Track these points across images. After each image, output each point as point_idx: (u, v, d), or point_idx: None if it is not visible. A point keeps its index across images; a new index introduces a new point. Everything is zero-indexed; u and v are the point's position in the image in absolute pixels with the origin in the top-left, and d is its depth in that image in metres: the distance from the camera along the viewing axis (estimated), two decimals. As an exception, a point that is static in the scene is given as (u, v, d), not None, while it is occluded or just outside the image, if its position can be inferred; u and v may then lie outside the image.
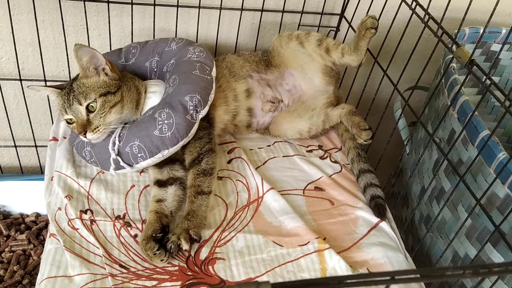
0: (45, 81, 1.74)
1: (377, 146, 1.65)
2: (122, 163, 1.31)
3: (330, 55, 1.61)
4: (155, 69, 1.55)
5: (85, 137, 1.28)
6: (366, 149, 1.69)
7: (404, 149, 1.59)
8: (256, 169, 1.52)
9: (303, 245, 1.31)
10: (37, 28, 1.62)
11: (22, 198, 1.90)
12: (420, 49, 1.43)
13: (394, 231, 1.42)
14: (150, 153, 1.30)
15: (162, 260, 1.18)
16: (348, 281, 0.65)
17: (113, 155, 1.30)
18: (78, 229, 1.24)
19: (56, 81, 1.79)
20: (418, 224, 1.57)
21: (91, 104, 1.28)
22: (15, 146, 1.91)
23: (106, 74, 1.33)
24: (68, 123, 1.34)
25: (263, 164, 1.57)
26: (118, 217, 1.29)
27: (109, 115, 1.30)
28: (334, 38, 1.87)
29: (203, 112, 1.37)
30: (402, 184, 1.72)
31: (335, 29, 1.85)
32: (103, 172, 1.40)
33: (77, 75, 1.35)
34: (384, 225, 1.43)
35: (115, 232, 1.25)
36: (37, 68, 1.76)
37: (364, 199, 1.52)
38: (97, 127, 1.28)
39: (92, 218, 1.27)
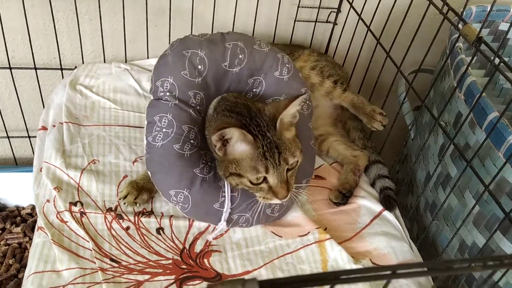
0: (36, 69, 1.68)
1: (380, 132, 1.58)
2: (225, 225, 1.22)
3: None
4: (255, 91, 1.31)
5: (284, 200, 1.13)
6: (369, 135, 1.63)
7: (408, 134, 1.52)
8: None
9: (303, 235, 1.25)
10: (25, 15, 1.56)
11: (17, 190, 1.86)
12: (425, 30, 1.36)
13: (398, 220, 1.36)
14: (250, 224, 1.24)
15: None
16: (344, 276, 0.59)
17: (223, 225, 1.21)
18: (67, 222, 1.19)
19: (47, 69, 1.74)
20: (423, 212, 1.51)
21: (292, 163, 1.12)
22: (8, 137, 1.86)
23: (295, 128, 1.18)
24: (252, 183, 1.11)
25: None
26: (109, 210, 1.24)
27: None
28: (335, 19, 1.79)
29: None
30: (407, 170, 1.65)
31: (336, 10, 1.77)
32: (94, 163, 1.34)
33: (257, 116, 1.13)
34: (387, 213, 1.37)
35: (106, 225, 1.20)
36: (28, 56, 1.70)
37: (367, 188, 1.46)
38: (292, 188, 1.15)
39: (82, 210, 1.21)
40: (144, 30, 1.69)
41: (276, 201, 1.13)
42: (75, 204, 1.22)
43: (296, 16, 1.77)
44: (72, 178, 1.29)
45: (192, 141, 1.19)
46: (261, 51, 1.30)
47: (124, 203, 1.24)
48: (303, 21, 1.79)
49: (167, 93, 1.21)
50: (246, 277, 1.10)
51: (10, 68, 1.66)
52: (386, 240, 1.29)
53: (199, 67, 1.23)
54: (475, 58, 1.68)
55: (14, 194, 1.89)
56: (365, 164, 1.50)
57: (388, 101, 1.52)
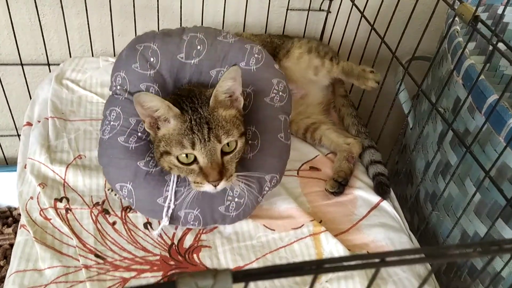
0: (22, 65, 1.64)
1: (377, 122, 1.53)
2: (171, 227, 1.17)
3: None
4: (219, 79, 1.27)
5: (216, 186, 1.04)
6: (366, 124, 1.57)
7: (405, 123, 1.47)
8: (246, 149, 1.42)
9: (296, 228, 1.20)
10: (8, 9, 1.51)
11: (8, 190, 1.82)
12: (421, 16, 1.32)
13: (396, 211, 1.31)
14: (204, 224, 1.15)
15: None
16: (328, 265, 0.54)
17: (165, 220, 1.12)
18: (50, 219, 1.14)
19: (35, 64, 1.70)
20: (423, 203, 1.46)
21: (229, 143, 1.05)
22: (-3, 136, 1.82)
23: (237, 109, 1.11)
24: (182, 163, 1.05)
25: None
26: (96, 204, 1.19)
27: (236, 162, 1.10)
28: (329, 7, 1.74)
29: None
30: (405, 160, 1.60)
31: (329, -2, 1.73)
32: (80, 158, 1.30)
33: (195, 96, 1.09)
34: (385, 204, 1.32)
35: (92, 219, 1.16)
36: (15, 52, 1.66)
37: (363, 178, 1.41)
38: (231, 176, 1.06)
39: (67, 206, 1.17)
40: (133, 23, 1.64)
41: (208, 187, 1.06)
42: (60, 200, 1.18)
43: (288, 4, 1.72)
44: (57, 174, 1.24)
45: (139, 134, 1.16)
46: (225, 42, 1.26)
47: (115, 194, 1.21)
48: (296, 10, 1.75)
49: (118, 87, 1.20)
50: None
51: (-4, 65, 1.62)
52: (384, 231, 1.24)
53: (151, 59, 1.20)
54: (475, 44, 1.64)
55: (5, 194, 1.85)
56: (358, 151, 1.45)
57: (385, 90, 1.46)
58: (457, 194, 1.26)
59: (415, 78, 1.30)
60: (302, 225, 1.21)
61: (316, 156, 1.46)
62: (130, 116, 1.16)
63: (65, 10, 1.61)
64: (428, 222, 1.39)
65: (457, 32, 1.32)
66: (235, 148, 1.08)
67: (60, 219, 1.14)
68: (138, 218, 1.18)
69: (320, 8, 1.74)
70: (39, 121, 1.38)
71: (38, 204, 1.17)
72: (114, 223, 1.16)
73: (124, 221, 1.17)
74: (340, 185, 1.32)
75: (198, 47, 1.23)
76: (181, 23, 1.67)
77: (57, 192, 1.20)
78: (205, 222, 1.15)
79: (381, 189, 1.34)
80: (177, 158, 1.05)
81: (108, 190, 1.22)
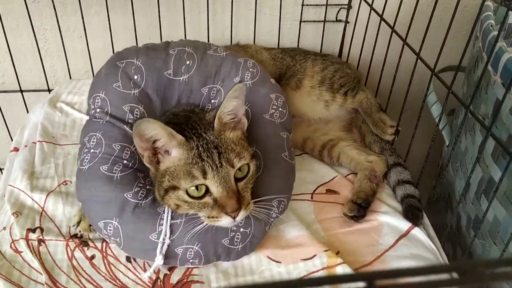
0: (21, 91, 1.57)
1: (404, 139, 1.32)
2: (163, 268, 0.97)
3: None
4: (214, 102, 1.12)
5: (235, 218, 0.89)
6: (392, 141, 1.37)
7: (434, 134, 1.25)
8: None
9: (306, 259, 1.01)
10: (4, 34, 1.45)
11: None
12: (443, 16, 1.13)
13: (431, 239, 1.10)
14: (205, 261, 0.97)
15: None
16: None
17: (159, 259, 0.93)
18: (21, 252, 1.00)
19: (34, 91, 1.61)
20: (465, 230, 1.22)
21: (241, 168, 0.92)
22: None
23: (241, 130, 0.98)
24: (192, 197, 0.89)
25: (262, 165, 1.29)
26: (74, 236, 1.05)
27: (251, 189, 0.96)
28: (346, 17, 1.59)
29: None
30: (443, 183, 1.38)
31: (346, 6, 1.57)
32: (66, 184, 1.17)
33: (195, 122, 0.96)
34: (417, 232, 1.10)
35: (67, 254, 1.01)
36: (21, 78, 1.59)
37: (390, 202, 1.20)
38: (249, 204, 0.92)
39: (40, 237, 1.03)
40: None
41: (226, 219, 0.89)
42: (33, 230, 1.04)
43: (301, 16, 1.58)
44: (36, 202, 1.11)
45: (125, 161, 0.99)
46: (216, 56, 1.12)
47: (79, 231, 1.05)
48: (310, 21, 1.60)
49: (98, 110, 1.04)
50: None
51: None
52: (416, 265, 1.02)
53: (135, 77, 1.06)
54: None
55: None
56: (383, 169, 1.25)
57: (413, 103, 1.27)
58: (504, 217, 1.03)
59: (444, 89, 1.11)
60: (314, 256, 1.01)
61: (334, 178, 1.26)
62: (113, 141, 1.01)
63: (67, 34, 1.54)
64: (471, 252, 1.15)
65: (491, 26, 1.14)
66: (248, 172, 0.93)
67: (31, 251, 1.00)
68: (120, 250, 1.02)
69: (336, 18, 1.59)
70: (26, 146, 1.27)
71: (10, 235, 1.03)
72: (92, 257, 1.01)
73: (104, 254, 1.01)
74: (360, 208, 1.12)
75: (187, 62, 1.10)
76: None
77: (31, 221, 1.06)
78: (207, 259, 0.97)
79: (411, 214, 1.13)
80: (187, 192, 0.89)
81: (74, 226, 1.06)
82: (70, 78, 1.59)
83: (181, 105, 1.11)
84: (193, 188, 0.88)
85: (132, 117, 1.03)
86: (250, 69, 1.12)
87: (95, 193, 0.97)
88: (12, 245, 1.02)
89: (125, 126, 1.03)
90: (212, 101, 1.11)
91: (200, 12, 1.55)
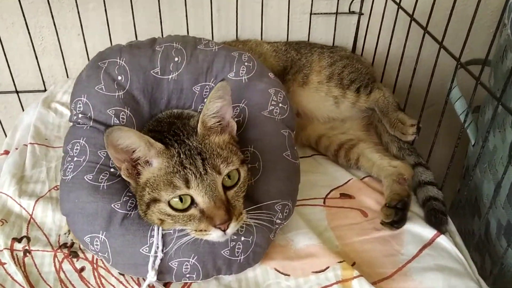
0: (17, 92, 1.49)
1: (427, 141, 1.21)
2: (157, 284, 0.87)
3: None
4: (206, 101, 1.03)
5: (225, 230, 0.79)
6: (412, 141, 1.26)
7: (460, 134, 1.13)
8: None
9: (319, 271, 0.91)
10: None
11: None
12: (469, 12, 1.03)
13: (459, 248, 0.99)
14: (204, 276, 0.87)
15: None
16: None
17: (151, 275, 0.83)
18: (5, 264, 0.92)
19: (30, 91, 1.54)
20: (496, 238, 1.11)
21: (230, 175, 0.82)
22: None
23: (230, 134, 0.89)
24: (176, 209, 0.80)
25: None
26: (63, 246, 0.96)
27: (243, 197, 0.86)
28: (360, 8, 1.48)
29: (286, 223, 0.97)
30: (470, 186, 1.26)
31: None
32: (57, 189, 1.08)
33: (178, 128, 0.87)
34: (443, 240, 1.00)
35: (55, 266, 0.92)
36: (18, 79, 1.52)
37: (412, 207, 1.09)
38: (241, 214, 0.82)
39: (26, 247, 0.94)
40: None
41: (215, 233, 0.79)
42: (19, 240, 0.96)
43: (311, 8, 1.48)
44: (24, 208, 1.03)
45: (112, 170, 0.90)
46: (207, 51, 1.03)
47: (71, 240, 0.96)
48: (321, 14, 1.50)
49: (80, 115, 0.96)
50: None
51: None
52: (443, 277, 0.91)
53: (119, 78, 0.98)
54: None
55: None
56: (410, 173, 1.14)
57: (434, 98, 1.16)
58: (544, 223, 0.91)
59: (466, 84, 1.00)
60: (327, 268, 0.91)
61: (349, 181, 1.16)
62: (99, 148, 0.92)
63: (64, 31, 1.47)
64: (503, 263, 1.03)
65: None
66: (239, 179, 0.83)
67: (15, 263, 0.91)
68: (113, 262, 0.93)
69: (349, 10, 1.49)
70: (16, 148, 1.19)
71: (-6, 246, 0.95)
72: (82, 269, 0.91)
73: (95, 266, 0.92)
74: (397, 211, 1.02)
75: (176, 59, 1.01)
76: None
77: (18, 230, 0.98)
78: (206, 273, 0.87)
79: (434, 218, 1.03)
80: (169, 205, 0.79)
81: (65, 234, 0.98)
82: (68, 77, 1.51)
83: (171, 107, 1.02)
84: (176, 199, 0.79)
85: (117, 121, 0.94)
86: (246, 63, 1.03)
87: (79, 205, 0.88)
88: (-5, 256, 0.93)
89: None
90: (206, 100, 1.02)
91: (204, 6, 1.46)
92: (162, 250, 0.84)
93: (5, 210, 1.03)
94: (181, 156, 0.79)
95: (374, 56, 1.45)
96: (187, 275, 0.86)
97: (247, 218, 0.84)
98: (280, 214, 0.91)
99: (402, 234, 1.02)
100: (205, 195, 0.78)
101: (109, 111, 0.94)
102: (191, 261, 0.85)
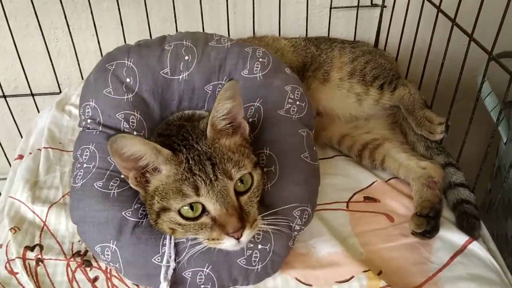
0: (32, 95, 1.47)
1: (456, 138, 1.14)
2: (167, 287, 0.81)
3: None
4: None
5: (239, 239, 0.75)
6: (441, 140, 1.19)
7: (493, 132, 1.06)
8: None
9: (343, 281, 0.86)
10: (11, 35, 1.36)
11: None
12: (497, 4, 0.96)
13: (493, 255, 0.92)
14: (220, 286, 0.83)
15: None
16: None
17: (163, 286, 0.79)
18: (17, 273, 0.89)
19: (45, 94, 1.52)
20: (533, 243, 1.03)
21: (243, 179, 0.78)
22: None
23: (242, 136, 0.84)
24: (187, 218, 0.76)
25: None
26: (76, 254, 0.93)
27: (257, 202, 0.81)
28: (383, 0, 1.41)
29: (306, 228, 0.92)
30: (504, 187, 1.18)
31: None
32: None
33: (187, 132, 0.82)
34: (476, 247, 0.93)
35: (67, 275, 0.89)
36: (34, 81, 1.50)
37: (443, 212, 1.02)
38: (255, 221, 0.78)
39: (39, 256, 0.92)
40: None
41: (229, 241, 0.75)
42: (32, 248, 0.93)
43: (331, 2, 1.42)
44: (37, 215, 1.00)
45: (122, 176, 0.84)
46: (219, 48, 0.98)
47: (85, 247, 0.93)
48: (342, 8, 1.44)
49: (89, 120, 0.92)
50: None
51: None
52: (477, 287, 0.84)
53: (127, 80, 0.94)
54: None
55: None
56: (441, 175, 1.07)
57: (460, 93, 1.09)
58: None
59: (496, 80, 0.93)
60: (351, 278, 0.86)
61: (373, 183, 1.10)
62: (108, 154, 0.88)
63: (78, 32, 1.44)
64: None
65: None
66: (252, 184, 0.78)
67: (28, 273, 0.88)
68: (127, 271, 0.89)
69: (371, 2, 1.42)
70: (30, 153, 1.17)
71: (6, 254, 0.93)
72: (95, 279, 0.88)
73: (108, 275, 0.89)
74: (429, 220, 0.95)
75: (186, 58, 0.96)
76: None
77: (30, 237, 0.96)
78: (221, 284, 0.83)
79: (466, 223, 0.97)
80: (180, 213, 0.75)
81: (79, 241, 0.95)
82: (82, 79, 1.48)
83: (182, 108, 0.98)
84: (187, 208, 0.74)
85: (127, 125, 0.91)
86: (260, 59, 0.98)
87: (89, 214, 0.84)
88: (7, 265, 0.91)
89: None
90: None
91: (219, 3, 1.42)
92: (175, 260, 0.80)
93: (18, 217, 1.00)
94: (190, 162, 0.75)
95: (398, 51, 1.38)
96: (202, 286, 0.82)
97: (263, 224, 0.79)
98: (299, 220, 0.86)
99: (432, 240, 0.96)
100: (216, 202, 0.74)
101: (118, 115, 0.91)
102: (205, 271, 0.81)
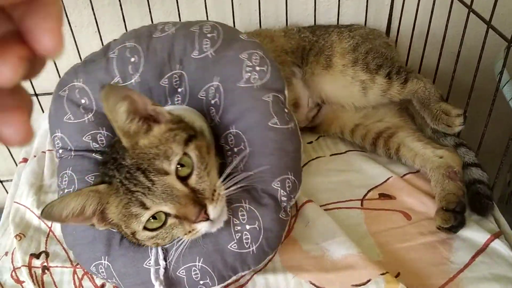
0: (36, 95, 1.44)
1: (475, 128, 1.09)
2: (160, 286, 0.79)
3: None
4: (179, 90, 0.95)
5: (207, 217, 0.72)
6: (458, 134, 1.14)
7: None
8: (289, 175, 1.06)
9: (359, 285, 0.82)
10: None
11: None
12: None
13: None
14: (220, 279, 0.80)
15: None
16: None
17: (156, 285, 0.78)
18: (23, 282, 0.87)
19: (49, 94, 1.48)
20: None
21: (182, 163, 0.73)
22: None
23: (163, 122, 0.80)
24: (156, 228, 0.74)
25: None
26: (83, 261, 0.90)
27: (213, 169, 0.78)
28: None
29: (297, 196, 0.89)
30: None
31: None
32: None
33: (115, 151, 0.78)
34: (498, 245, 0.89)
35: (74, 284, 0.87)
36: (38, 81, 1.47)
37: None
38: (214, 191, 0.75)
39: (45, 264, 0.90)
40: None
41: (201, 226, 0.72)
42: (37, 256, 0.91)
43: (339, -11, 1.37)
44: (43, 221, 0.98)
45: None
46: (164, 37, 0.94)
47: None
48: (350, -5, 1.38)
49: (60, 151, 0.92)
50: None
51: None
52: (501, 289, 0.80)
53: (82, 101, 0.92)
54: None
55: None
56: (459, 163, 1.03)
57: (483, 80, 1.04)
58: None
59: None
60: (368, 281, 0.82)
61: (388, 179, 1.05)
62: (85, 174, 0.88)
63: (80, 29, 1.41)
64: None
65: None
66: (192, 162, 0.74)
67: (34, 281, 0.86)
68: (135, 278, 0.87)
69: (382, -11, 1.37)
70: (35, 156, 1.14)
71: (12, 262, 0.91)
72: (102, 286, 0.87)
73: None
74: (456, 215, 0.91)
75: (132, 60, 0.93)
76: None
77: (36, 244, 0.94)
78: (221, 276, 0.80)
79: (479, 204, 0.95)
80: (147, 229, 0.73)
81: None
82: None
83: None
84: (152, 221, 0.72)
85: (97, 145, 0.90)
86: (209, 35, 0.92)
87: (78, 236, 0.85)
88: (13, 273, 0.89)
89: (93, 154, 0.90)
90: (179, 89, 0.94)
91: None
92: (165, 259, 0.78)
93: (24, 223, 0.98)
94: (125, 182, 0.72)
95: (411, 40, 1.32)
96: (201, 282, 0.79)
97: (227, 188, 0.76)
98: (282, 190, 0.83)
99: (451, 238, 0.91)
100: (166, 203, 0.71)
101: (85, 138, 0.90)
102: (198, 265, 0.78)
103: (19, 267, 0.89)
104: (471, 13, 1.01)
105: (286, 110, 0.89)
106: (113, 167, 0.74)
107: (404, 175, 1.07)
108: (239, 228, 0.79)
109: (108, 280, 0.82)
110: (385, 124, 1.15)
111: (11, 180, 1.15)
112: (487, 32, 0.95)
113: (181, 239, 0.76)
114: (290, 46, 1.20)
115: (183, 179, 0.72)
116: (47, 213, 0.68)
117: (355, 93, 1.14)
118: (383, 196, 1.01)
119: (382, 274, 0.82)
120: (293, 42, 1.21)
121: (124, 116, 0.71)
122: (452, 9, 1.08)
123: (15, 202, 1.02)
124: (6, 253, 0.92)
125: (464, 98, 1.06)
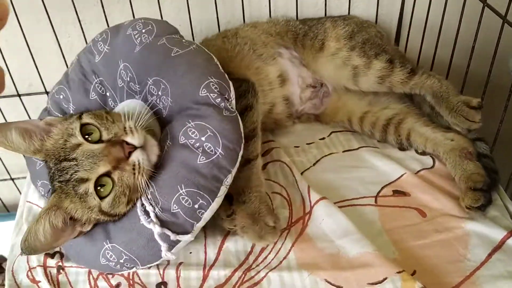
0: (47, 93, 1.44)
1: (489, 120, 1.08)
2: (174, 236, 0.81)
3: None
4: (108, 94, 1.01)
5: (134, 146, 0.79)
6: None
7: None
8: (302, 173, 1.05)
9: (376, 283, 0.82)
10: (22, 32, 1.33)
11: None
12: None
13: None
14: (211, 193, 0.82)
15: None
16: None
17: (157, 230, 0.80)
18: (39, 282, 0.88)
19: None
20: None
21: (88, 131, 0.82)
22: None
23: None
24: (106, 196, 0.80)
25: (314, 165, 1.10)
26: (98, 260, 0.90)
27: (116, 117, 0.86)
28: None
29: (233, 95, 0.90)
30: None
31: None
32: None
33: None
34: (515, 242, 0.87)
35: (89, 283, 0.87)
36: (48, 79, 1.47)
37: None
38: (125, 128, 0.82)
39: (60, 264, 0.90)
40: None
41: (134, 156, 0.79)
42: (52, 256, 0.91)
43: (347, -16, 1.35)
44: (55, 221, 0.98)
45: None
46: (74, 65, 1.08)
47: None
48: (360, -11, 1.37)
49: (46, 195, 0.99)
50: None
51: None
52: (518, 286, 0.80)
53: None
54: None
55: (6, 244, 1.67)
56: (470, 144, 1.05)
57: (497, 74, 1.02)
58: None
59: None
60: (384, 279, 0.81)
61: (402, 175, 1.04)
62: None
63: (89, 26, 1.40)
64: None
65: None
66: (95, 124, 0.82)
67: (49, 281, 0.86)
68: (150, 277, 0.88)
69: (393, -18, 1.35)
70: (46, 155, 1.14)
71: (28, 262, 0.91)
72: (117, 285, 0.87)
73: (131, 282, 0.87)
74: (485, 193, 0.94)
75: (61, 97, 1.05)
76: (218, 23, 1.38)
77: (50, 244, 0.93)
78: (210, 191, 0.82)
79: (487, 178, 0.97)
80: (105, 197, 0.80)
81: None
82: (97, 75, 1.45)
83: None
84: (100, 190, 0.79)
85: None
86: (100, 38, 1.02)
87: (74, 242, 0.87)
88: (29, 273, 0.89)
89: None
90: (107, 93, 1.01)
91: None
92: (151, 204, 0.81)
93: (37, 222, 0.98)
94: (60, 179, 0.80)
95: (423, 35, 1.30)
96: (195, 206, 0.80)
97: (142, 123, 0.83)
98: (211, 94, 0.86)
99: (467, 235, 0.91)
100: (96, 165, 0.77)
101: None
102: (184, 191, 0.80)
103: (35, 267, 0.89)
104: (486, 7, 1.00)
105: (184, 40, 0.95)
106: (51, 179, 0.83)
107: (418, 171, 1.06)
108: (197, 144, 0.82)
109: (124, 266, 0.83)
110: (392, 111, 1.16)
111: (24, 178, 1.16)
112: (502, 26, 0.94)
113: (142, 183, 0.79)
114: (275, 30, 1.25)
115: (96, 142, 0.79)
116: (28, 250, 0.75)
117: (346, 76, 1.16)
118: (397, 193, 1.01)
119: (399, 272, 0.81)
120: (278, 27, 1.26)
121: (20, 139, 0.81)
122: (466, 3, 1.06)
123: (27, 201, 1.03)
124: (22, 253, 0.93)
125: (477, 93, 1.05)
